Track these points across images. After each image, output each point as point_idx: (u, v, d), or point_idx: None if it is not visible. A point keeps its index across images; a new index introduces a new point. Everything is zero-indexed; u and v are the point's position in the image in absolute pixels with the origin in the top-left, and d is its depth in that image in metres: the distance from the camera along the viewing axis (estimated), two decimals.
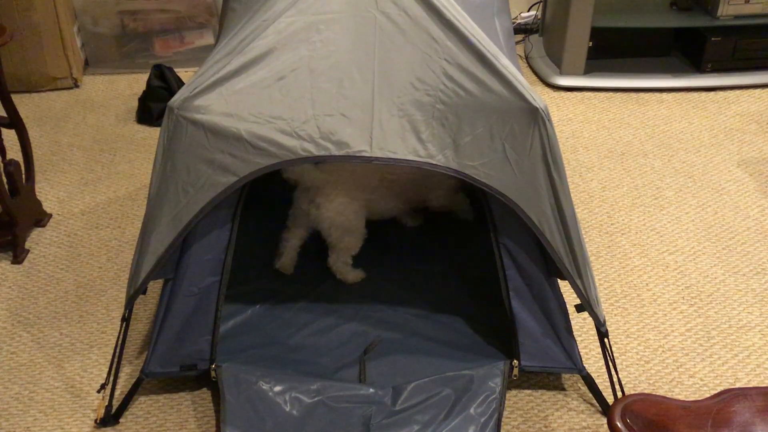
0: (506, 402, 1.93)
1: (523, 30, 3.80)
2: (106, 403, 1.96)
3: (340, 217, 2.18)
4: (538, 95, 1.70)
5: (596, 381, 1.99)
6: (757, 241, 2.59)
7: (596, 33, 3.39)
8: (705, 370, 2.14)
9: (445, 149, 1.71)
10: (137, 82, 3.48)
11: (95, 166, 3.00)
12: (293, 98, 1.69)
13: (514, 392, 2.05)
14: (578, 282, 1.85)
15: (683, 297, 2.37)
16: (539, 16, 3.75)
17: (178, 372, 1.97)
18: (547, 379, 2.09)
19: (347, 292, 2.28)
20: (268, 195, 2.40)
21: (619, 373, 2.04)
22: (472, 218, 2.47)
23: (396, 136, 1.70)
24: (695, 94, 3.43)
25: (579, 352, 1.98)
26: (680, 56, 3.61)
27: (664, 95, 3.43)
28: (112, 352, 1.99)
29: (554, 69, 3.51)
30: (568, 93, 3.45)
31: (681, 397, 2.04)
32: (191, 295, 1.89)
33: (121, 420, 1.99)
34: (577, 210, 1.88)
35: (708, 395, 1.53)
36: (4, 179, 2.49)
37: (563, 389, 2.07)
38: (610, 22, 3.44)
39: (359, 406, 1.89)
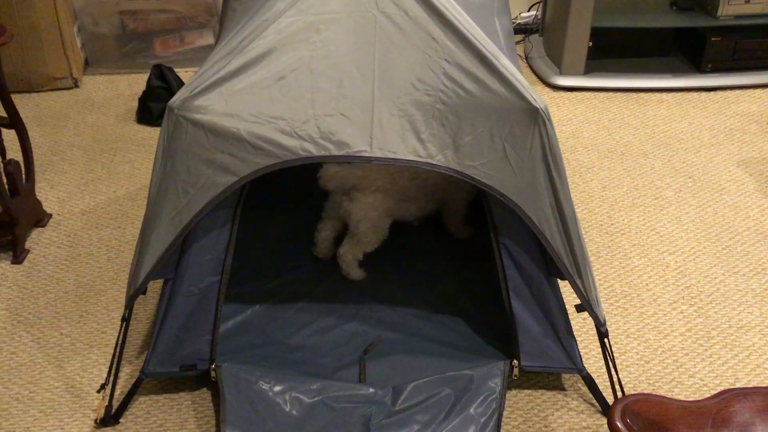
0: (506, 402, 1.93)
1: (523, 30, 3.80)
2: (106, 403, 1.96)
3: (373, 212, 2.19)
4: (538, 95, 1.70)
5: (596, 381, 1.99)
6: (757, 241, 2.59)
7: (596, 33, 3.39)
8: (705, 370, 2.14)
9: (445, 149, 1.71)
10: (137, 82, 3.48)
11: (95, 166, 3.00)
12: (293, 98, 1.69)
13: (514, 392, 2.05)
14: (578, 282, 1.85)
15: (683, 297, 2.37)
16: (539, 16, 3.75)
17: (178, 372, 1.97)
18: (547, 379, 2.09)
19: (347, 292, 2.27)
20: (268, 195, 2.40)
21: (619, 373, 2.04)
22: (465, 237, 2.47)
23: (396, 136, 1.70)
24: (695, 94, 3.43)
25: (579, 352, 1.98)
26: (680, 56, 3.61)
27: (664, 95, 3.43)
28: (112, 352, 1.99)
29: (554, 69, 3.51)
30: (568, 93, 3.45)
31: (681, 397, 2.04)
32: (191, 295, 1.89)
33: (121, 420, 1.99)
34: (577, 210, 1.88)
35: (708, 395, 1.53)
36: (4, 179, 2.48)
37: (563, 389, 2.07)
38: (610, 22, 3.45)
39: (359, 406, 1.89)
